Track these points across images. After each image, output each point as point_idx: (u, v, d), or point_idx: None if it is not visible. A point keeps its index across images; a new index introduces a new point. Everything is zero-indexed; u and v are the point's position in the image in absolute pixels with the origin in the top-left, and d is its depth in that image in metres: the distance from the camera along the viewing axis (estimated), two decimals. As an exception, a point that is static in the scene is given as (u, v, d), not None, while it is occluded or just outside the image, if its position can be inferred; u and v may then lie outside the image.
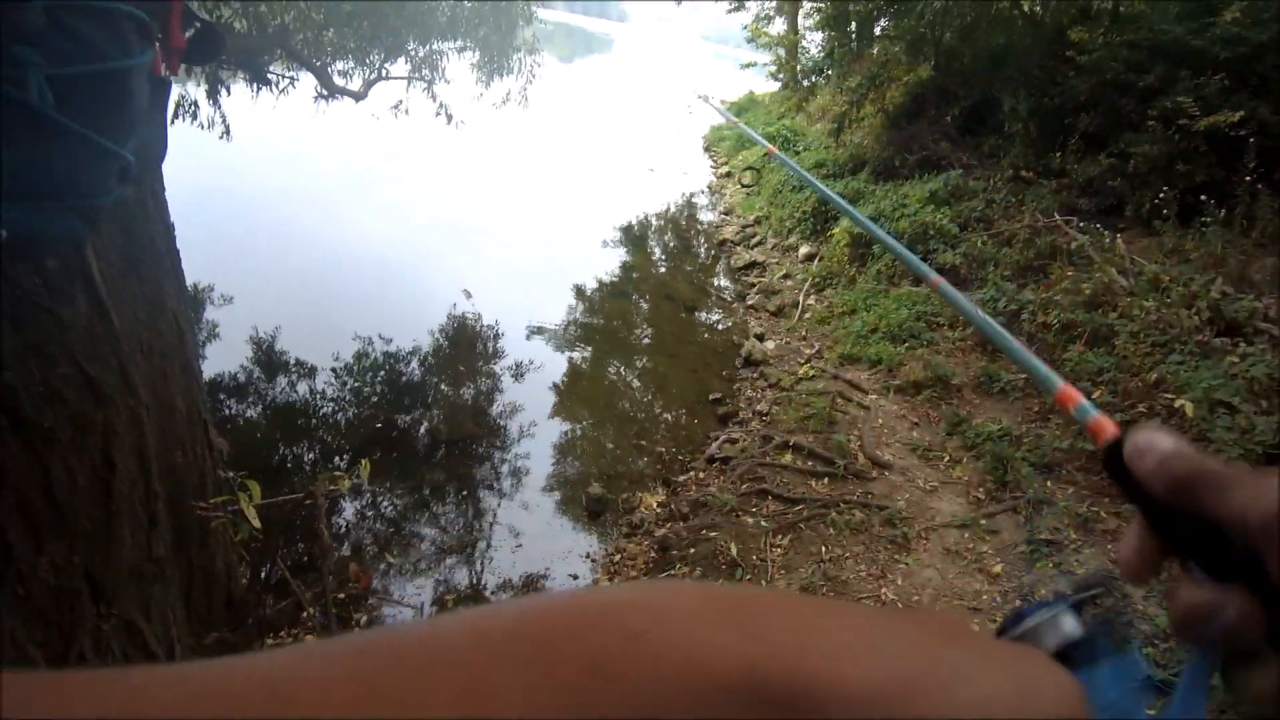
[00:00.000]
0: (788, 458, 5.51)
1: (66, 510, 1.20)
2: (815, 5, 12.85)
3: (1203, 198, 6.52)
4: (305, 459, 5.44)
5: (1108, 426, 0.45)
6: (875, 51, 12.07)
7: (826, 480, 5.26)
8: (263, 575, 1.74)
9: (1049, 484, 5.04)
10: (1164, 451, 0.36)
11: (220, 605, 1.73)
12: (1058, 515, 4.74)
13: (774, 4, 19.08)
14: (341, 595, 3.05)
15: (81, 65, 0.57)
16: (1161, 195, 6.84)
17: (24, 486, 1.13)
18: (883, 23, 11.86)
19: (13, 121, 0.54)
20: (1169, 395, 4.74)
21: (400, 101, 9.10)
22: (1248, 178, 6.42)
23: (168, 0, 0.67)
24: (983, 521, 4.74)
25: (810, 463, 5.47)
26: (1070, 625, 0.35)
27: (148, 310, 1.60)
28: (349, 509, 5.00)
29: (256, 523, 1.55)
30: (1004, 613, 3.89)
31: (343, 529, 4.84)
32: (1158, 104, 7.17)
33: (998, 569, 4.33)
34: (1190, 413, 4.44)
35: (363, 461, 2.08)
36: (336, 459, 5.38)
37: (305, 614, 1.89)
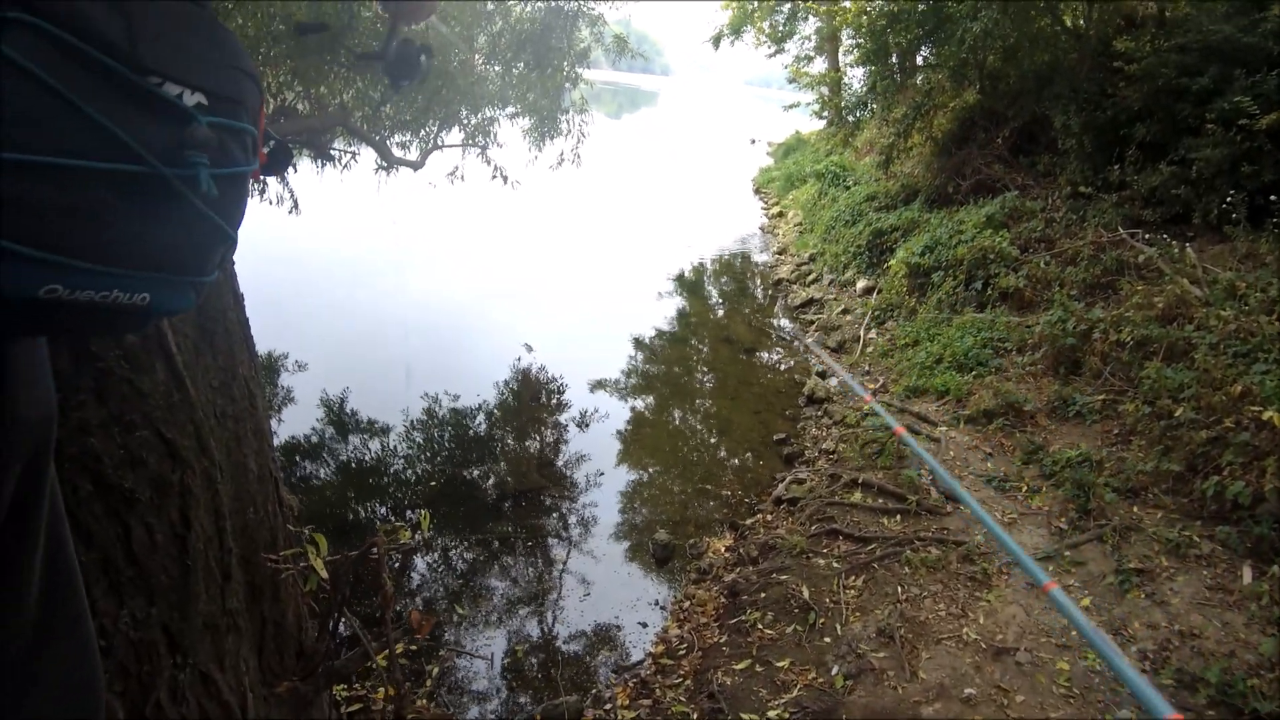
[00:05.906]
0: (857, 496, 5.39)
1: (146, 567, 1.28)
2: (855, 41, 12.90)
3: (1273, 198, 6.23)
4: (379, 515, 5.58)
5: None
6: (919, 81, 12.03)
7: (899, 517, 5.11)
8: (331, 627, 1.81)
9: (1135, 509, 4.79)
10: None
11: (291, 656, 1.80)
12: (1146, 542, 4.48)
13: (813, 44, 19.28)
14: (413, 647, 3.10)
15: (226, 169, 0.76)
16: (1229, 199, 6.57)
17: (106, 545, 1.23)
18: (924, 52, 11.84)
19: (174, 209, 0.71)
20: (1256, 408, 4.47)
21: (456, 168, 9.47)
22: (1317, 173, 6.14)
23: (256, 125, 0.84)
24: (1067, 553, 4.52)
25: (881, 500, 5.33)
26: None
27: (221, 377, 1.72)
28: (421, 563, 5.09)
29: (324, 573, 1.62)
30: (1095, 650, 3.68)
31: (414, 583, 4.93)
32: (1215, 106, 6.94)
33: (1086, 602, 4.10)
34: (1282, 425, 4.17)
35: (422, 512, 2.15)
36: (408, 513, 5.51)
37: (371, 664, 1.95)
